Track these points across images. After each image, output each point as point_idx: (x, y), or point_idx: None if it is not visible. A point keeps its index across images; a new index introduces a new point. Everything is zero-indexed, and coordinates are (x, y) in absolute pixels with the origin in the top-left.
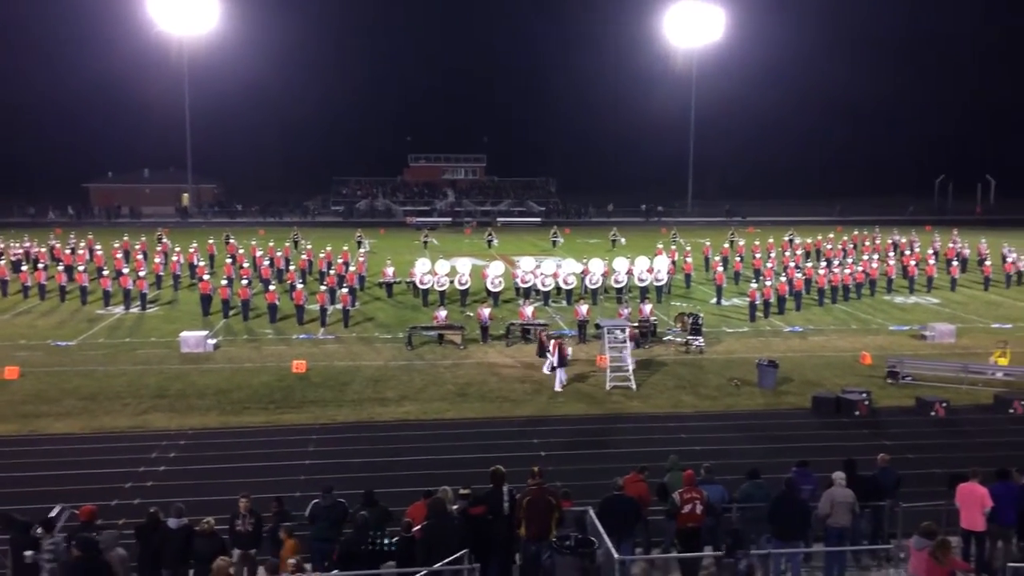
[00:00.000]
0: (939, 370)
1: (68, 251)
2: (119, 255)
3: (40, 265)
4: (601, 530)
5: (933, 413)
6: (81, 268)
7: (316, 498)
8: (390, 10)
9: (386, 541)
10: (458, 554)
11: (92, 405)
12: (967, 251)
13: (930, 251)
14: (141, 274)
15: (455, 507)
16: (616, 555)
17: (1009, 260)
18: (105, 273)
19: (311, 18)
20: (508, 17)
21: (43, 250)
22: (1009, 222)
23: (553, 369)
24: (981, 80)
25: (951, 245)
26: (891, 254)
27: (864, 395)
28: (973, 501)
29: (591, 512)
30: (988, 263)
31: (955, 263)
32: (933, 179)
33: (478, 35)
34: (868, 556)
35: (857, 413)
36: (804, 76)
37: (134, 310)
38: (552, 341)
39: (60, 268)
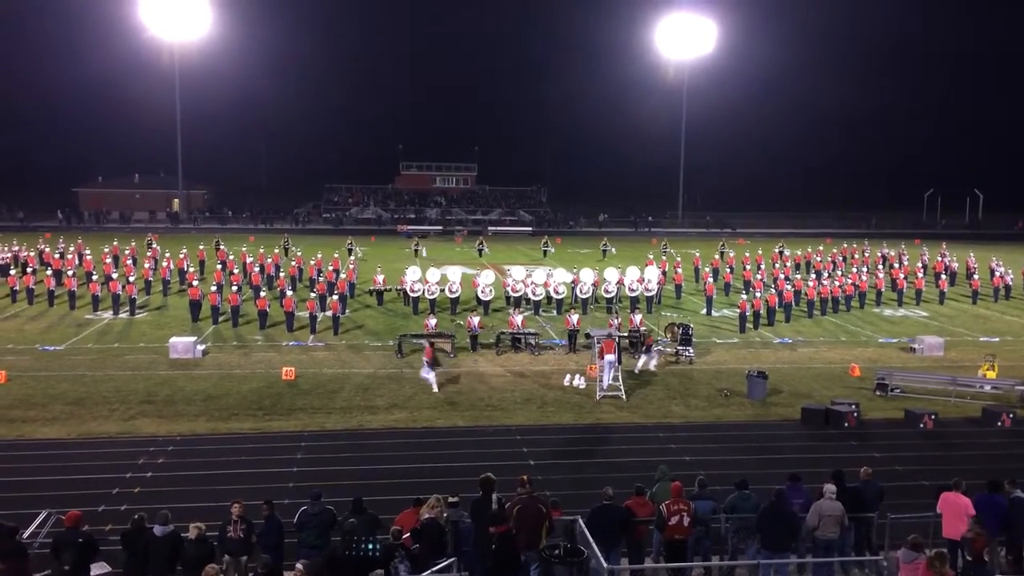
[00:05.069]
0: (927, 383)
1: (57, 255)
2: (108, 260)
3: (29, 269)
4: (591, 539)
5: (921, 425)
6: (70, 272)
7: (304, 505)
8: (381, 18)
9: (371, 547)
10: (447, 562)
11: (79, 410)
12: (956, 264)
13: (919, 264)
14: (130, 279)
15: (445, 515)
16: (605, 564)
17: (997, 274)
18: (94, 278)
19: (303, 25)
20: (500, 27)
21: (32, 254)
22: (997, 236)
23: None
24: (969, 94)
25: (940, 258)
26: (880, 267)
27: (853, 407)
28: (955, 510)
29: (580, 521)
30: (976, 277)
31: (944, 276)
32: (922, 192)
33: (470, 45)
34: (856, 568)
35: (846, 425)
36: (794, 89)
37: (123, 315)
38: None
39: (49, 272)
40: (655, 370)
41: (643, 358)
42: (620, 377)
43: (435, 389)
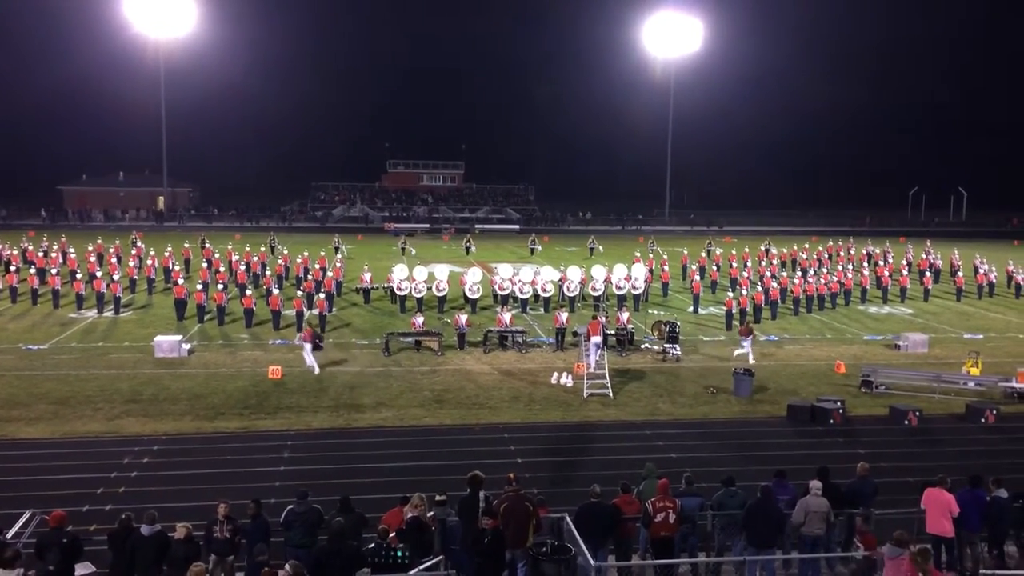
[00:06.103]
0: (912, 379)
1: (40, 254)
2: (92, 258)
3: (12, 268)
4: (578, 537)
5: (906, 422)
6: (54, 271)
7: (291, 504)
8: (369, 16)
9: (399, 553)
10: (433, 560)
11: (63, 410)
12: (940, 262)
13: (903, 262)
14: (115, 278)
15: (430, 514)
16: (592, 562)
17: (981, 271)
18: (78, 276)
19: (290, 22)
20: (488, 25)
21: (15, 252)
22: (987, 233)
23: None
24: (958, 94)
25: (924, 256)
26: (865, 264)
27: (838, 404)
28: (939, 506)
29: (567, 519)
30: (960, 274)
31: (928, 274)
32: (906, 191)
33: (457, 43)
34: (842, 563)
35: (831, 422)
36: (781, 87)
37: (107, 314)
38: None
39: (32, 271)
40: (754, 363)
41: (744, 345)
42: (608, 375)
43: (315, 371)
